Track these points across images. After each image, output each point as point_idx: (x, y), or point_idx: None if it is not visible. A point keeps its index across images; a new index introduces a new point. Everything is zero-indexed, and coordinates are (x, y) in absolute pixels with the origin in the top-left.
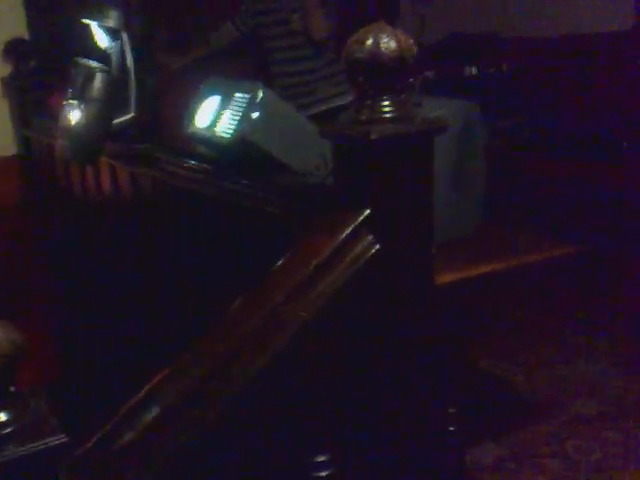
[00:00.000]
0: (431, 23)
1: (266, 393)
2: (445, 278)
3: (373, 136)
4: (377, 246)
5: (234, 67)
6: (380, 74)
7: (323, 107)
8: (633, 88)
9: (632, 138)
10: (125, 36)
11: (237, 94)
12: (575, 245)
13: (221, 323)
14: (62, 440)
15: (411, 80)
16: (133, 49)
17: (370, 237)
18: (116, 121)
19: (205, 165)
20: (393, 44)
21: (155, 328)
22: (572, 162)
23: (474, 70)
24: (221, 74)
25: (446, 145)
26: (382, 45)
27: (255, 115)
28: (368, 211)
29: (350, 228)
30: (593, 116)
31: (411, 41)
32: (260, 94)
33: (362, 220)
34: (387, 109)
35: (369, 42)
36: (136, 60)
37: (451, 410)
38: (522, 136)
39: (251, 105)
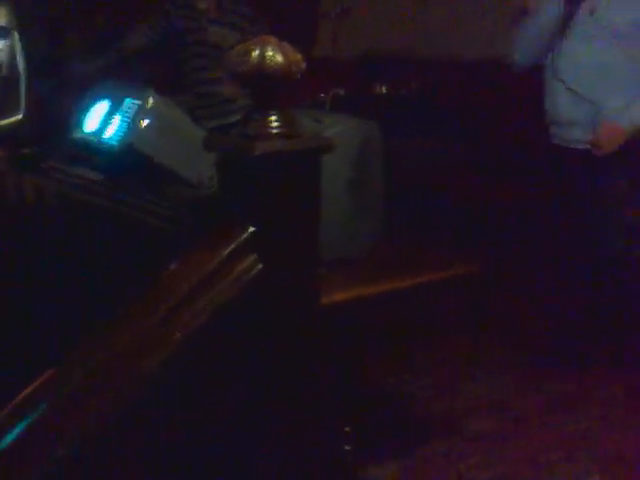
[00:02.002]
0: (344, 40)
1: (135, 418)
2: (341, 296)
3: (257, 152)
4: (260, 265)
5: (145, 73)
6: (266, 88)
7: (239, 117)
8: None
9: (535, 159)
10: (16, 35)
11: (127, 100)
12: (471, 264)
13: (96, 337)
14: None
15: (322, 96)
16: (24, 49)
17: (253, 255)
18: (3, 122)
19: (94, 173)
20: (279, 57)
21: (36, 336)
22: (475, 181)
23: (384, 88)
24: (132, 79)
25: (343, 162)
26: (267, 58)
27: (145, 122)
28: (252, 229)
29: (233, 246)
30: (498, 138)
31: (299, 56)
32: (151, 100)
33: (246, 238)
34: (274, 124)
35: (254, 54)
36: (31, 61)
37: (347, 429)
38: (427, 155)
39: (141, 112)
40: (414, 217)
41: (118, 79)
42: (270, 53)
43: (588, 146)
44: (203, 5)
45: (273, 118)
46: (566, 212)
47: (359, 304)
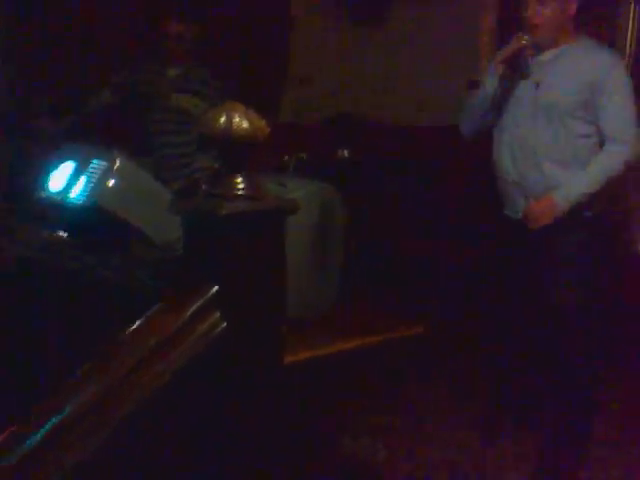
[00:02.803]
0: (307, 106)
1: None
2: (301, 356)
3: (224, 212)
4: (224, 324)
5: (111, 134)
6: (232, 151)
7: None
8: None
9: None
10: None
11: (94, 160)
12: (425, 322)
13: (59, 395)
14: None
15: (285, 159)
16: None
17: (217, 314)
18: None
19: (60, 234)
20: (245, 124)
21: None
22: (432, 243)
23: (346, 153)
24: (96, 140)
25: (305, 225)
26: (235, 124)
27: (111, 183)
28: (216, 288)
29: (197, 304)
30: (453, 199)
31: (263, 122)
32: (118, 161)
33: (210, 297)
34: (240, 186)
35: (222, 120)
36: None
37: None
38: (386, 215)
39: (108, 172)
40: (368, 279)
41: (83, 139)
42: (237, 119)
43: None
44: (172, 73)
45: (239, 180)
46: (516, 274)
47: (312, 363)
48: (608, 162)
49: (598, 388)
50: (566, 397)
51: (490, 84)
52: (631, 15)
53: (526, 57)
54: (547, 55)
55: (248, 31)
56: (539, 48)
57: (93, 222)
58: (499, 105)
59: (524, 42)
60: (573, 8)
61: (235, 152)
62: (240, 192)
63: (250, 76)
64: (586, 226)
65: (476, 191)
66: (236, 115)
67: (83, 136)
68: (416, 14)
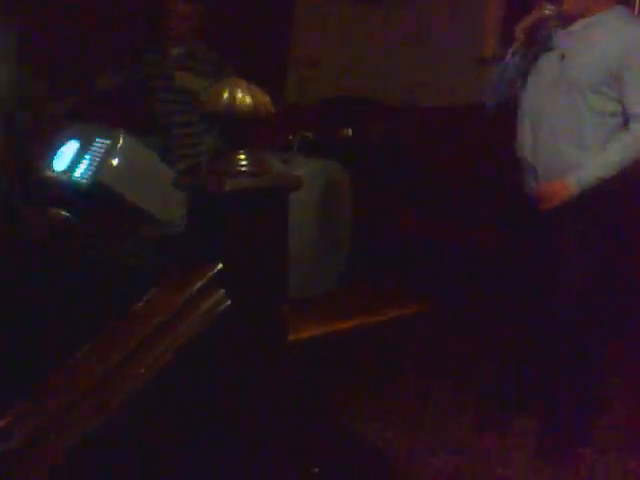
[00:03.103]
0: (312, 87)
1: (99, 451)
2: (302, 334)
3: (227, 188)
4: (228, 302)
5: (117, 114)
6: (235, 128)
7: (206, 158)
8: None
9: (495, 204)
10: None
11: (97, 139)
12: (430, 301)
13: (60, 375)
14: None
15: (290, 138)
16: None
17: (221, 292)
18: None
19: (64, 213)
20: (248, 99)
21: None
22: (435, 223)
23: (350, 132)
24: (104, 120)
25: (309, 203)
26: (237, 100)
27: (115, 161)
28: (220, 265)
29: (201, 282)
30: (459, 182)
31: (267, 98)
32: (121, 140)
33: (214, 275)
34: (243, 163)
35: (225, 96)
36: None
37: (315, 470)
38: (389, 196)
39: (111, 151)
40: (376, 257)
41: (88, 119)
42: (240, 95)
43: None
44: (175, 51)
45: (242, 157)
46: (521, 258)
47: (322, 341)
48: (630, 142)
49: (604, 368)
50: (574, 379)
51: (510, 54)
52: None
53: (549, 28)
54: (577, 25)
55: (252, 12)
56: (569, 18)
57: (97, 200)
58: (523, 77)
59: (547, 12)
60: None
61: (238, 128)
62: (243, 169)
63: (254, 57)
64: (599, 205)
65: (480, 171)
66: (239, 91)
67: (88, 116)
68: None
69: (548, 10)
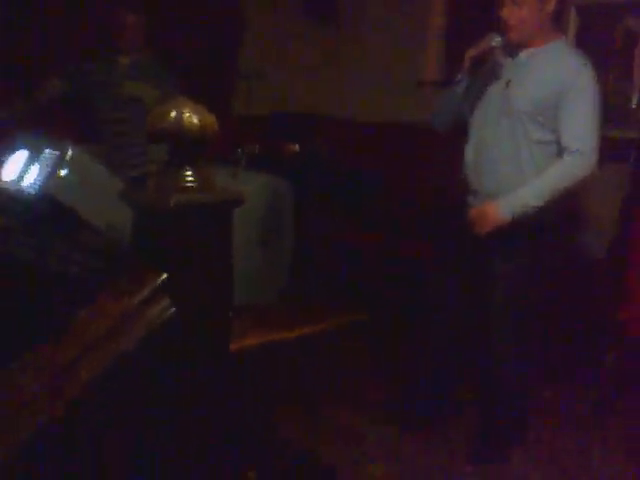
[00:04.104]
0: (259, 99)
1: (34, 463)
2: (246, 342)
3: (172, 203)
4: (172, 309)
5: (60, 122)
6: (182, 145)
7: (155, 167)
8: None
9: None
10: None
11: (47, 150)
12: (363, 313)
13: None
14: None
15: (238, 151)
16: None
17: (166, 300)
18: None
19: (11, 221)
20: (195, 119)
21: None
22: (376, 236)
23: (297, 147)
24: (46, 128)
25: (255, 216)
26: (185, 119)
27: (63, 173)
28: (165, 275)
29: (146, 291)
30: (400, 195)
31: (213, 118)
32: (70, 152)
33: (159, 283)
34: (189, 178)
35: (172, 115)
36: None
37: (250, 474)
38: (329, 208)
39: (60, 162)
40: (317, 268)
41: (36, 127)
42: (187, 115)
43: None
44: (125, 60)
45: (188, 172)
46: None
47: (264, 350)
48: (561, 173)
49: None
50: (498, 397)
51: (458, 80)
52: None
53: (496, 57)
54: (522, 55)
55: (201, 24)
56: (515, 47)
57: (45, 211)
58: (471, 103)
59: (494, 43)
60: (551, 6)
61: (185, 146)
62: (189, 184)
63: (203, 68)
64: (531, 239)
65: (421, 185)
66: (186, 111)
67: (35, 124)
68: (366, 13)
69: (495, 42)
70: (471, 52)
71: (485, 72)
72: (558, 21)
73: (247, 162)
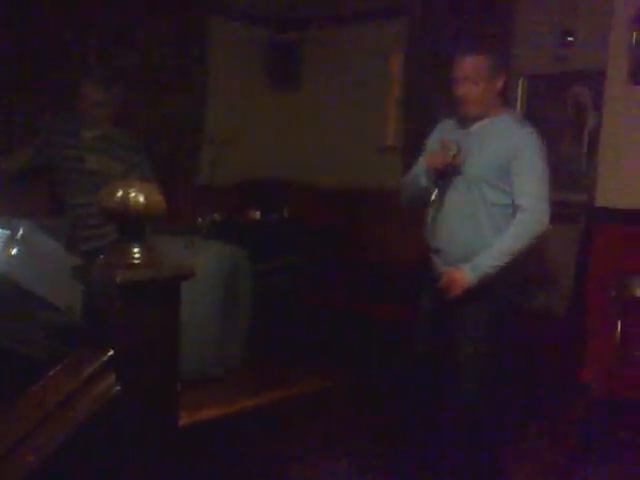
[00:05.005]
0: (223, 167)
1: None
2: (201, 415)
3: (119, 280)
4: (118, 387)
5: (25, 193)
6: (129, 224)
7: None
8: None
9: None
10: None
11: None
12: (326, 380)
13: None
14: None
15: (199, 220)
16: None
17: (112, 377)
18: None
19: None
20: (141, 198)
21: None
22: (347, 299)
23: (258, 214)
24: (5, 203)
25: (213, 285)
26: (131, 199)
27: (14, 251)
28: (112, 352)
29: (92, 368)
30: (365, 260)
31: (159, 197)
32: (20, 230)
33: (105, 360)
34: (136, 255)
35: (119, 195)
36: None
37: None
38: (295, 275)
39: (10, 241)
40: (277, 337)
41: None
42: (133, 194)
43: None
44: (89, 135)
45: (135, 249)
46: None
47: (223, 421)
48: (519, 231)
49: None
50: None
51: (425, 181)
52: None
53: (455, 164)
54: (474, 127)
55: (167, 93)
56: (466, 121)
57: None
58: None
59: (452, 153)
60: (500, 85)
61: (132, 225)
62: (136, 261)
63: (168, 138)
64: (494, 297)
65: (383, 250)
66: (132, 190)
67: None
68: (328, 81)
69: (452, 151)
70: (434, 164)
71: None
72: (504, 95)
73: (207, 231)
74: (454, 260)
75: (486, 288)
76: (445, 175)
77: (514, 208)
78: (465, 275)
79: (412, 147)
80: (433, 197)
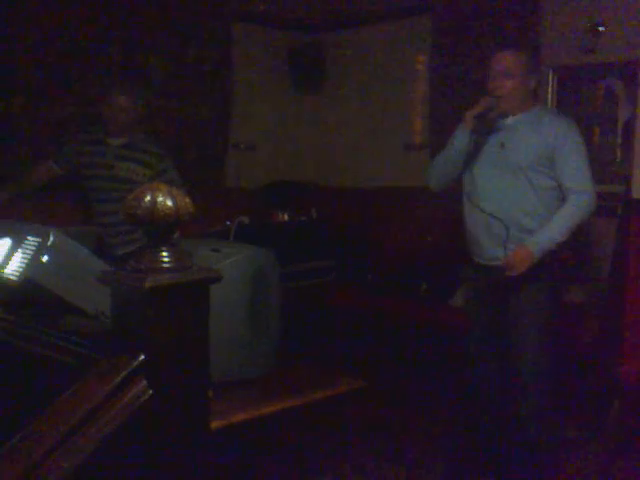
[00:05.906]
0: (250, 172)
1: None
2: (238, 417)
3: (148, 284)
4: (150, 391)
5: (53, 204)
6: (157, 228)
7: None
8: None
9: (430, 281)
10: None
11: (28, 237)
12: (360, 381)
13: None
14: None
15: (227, 224)
16: None
17: (144, 382)
18: None
19: None
20: (169, 202)
21: None
22: (373, 302)
23: (286, 216)
24: (38, 212)
25: (240, 288)
26: (159, 203)
27: (45, 258)
28: (143, 357)
29: (124, 374)
30: (395, 261)
31: (187, 200)
32: (51, 238)
33: (136, 365)
34: (165, 259)
35: (147, 200)
36: None
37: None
38: (325, 278)
39: (41, 248)
40: (307, 338)
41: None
42: (161, 199)
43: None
44: (115, 142)
45: (164, 254)
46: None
47: (256, 424)
48: (574, 210)
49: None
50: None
51: (460, 140)
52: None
53: (494, 115)
54: (509, 120)
55: (192, 98)
56: (503, 114)
57: (29, 297)
58: (467, 161)
59: (491, 104)
60: (533, 83)
61: (160, 229)
62: (165, 265)
63: (194, 144)
64: (552, 273)
65: (415, 248)
66: (160, 195)
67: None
68: (352, 81)
69: (492, 102)
70: (473, 111)
71: (482, 131)
72: (536, 92)
73: (236, 234)
74: (509, 243)
75: (545, 266)
76: (482, 129)
77: (562, 191)
78: (531, 251)
79: (439, 144)
80: (459, 145)
